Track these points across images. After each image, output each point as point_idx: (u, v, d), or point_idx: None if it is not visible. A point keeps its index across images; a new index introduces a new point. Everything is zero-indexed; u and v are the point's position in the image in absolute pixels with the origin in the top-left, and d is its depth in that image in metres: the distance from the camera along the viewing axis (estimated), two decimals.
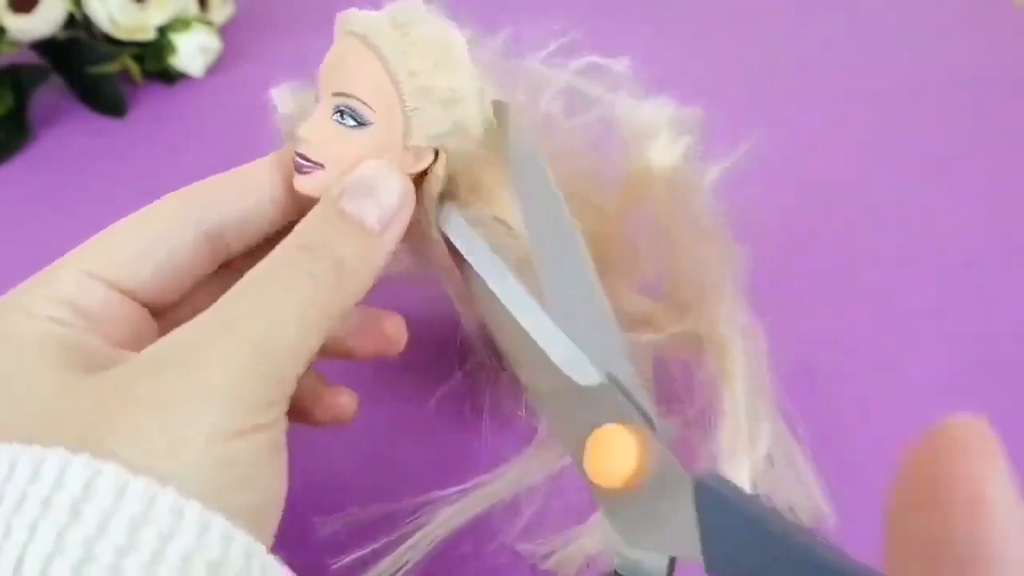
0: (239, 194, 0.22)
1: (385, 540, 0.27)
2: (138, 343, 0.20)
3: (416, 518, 0.27)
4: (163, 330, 0.21)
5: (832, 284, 0.38)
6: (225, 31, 0.56)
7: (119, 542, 0.14)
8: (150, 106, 0.51)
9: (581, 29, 0.57)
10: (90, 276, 0.20)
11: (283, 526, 0.20)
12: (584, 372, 0.18)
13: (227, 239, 0.22)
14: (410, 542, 0.27)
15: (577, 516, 0.27)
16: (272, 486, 0.18)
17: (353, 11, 0.22)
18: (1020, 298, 0.37)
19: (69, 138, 0.49)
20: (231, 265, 0.24)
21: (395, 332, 0.25)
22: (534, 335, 0.19)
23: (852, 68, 0.54)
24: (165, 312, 0.22)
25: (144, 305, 0.22)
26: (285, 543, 0.22)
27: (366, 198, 0.20)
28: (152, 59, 0.52)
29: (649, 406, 0.17)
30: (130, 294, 0.21)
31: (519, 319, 0.19)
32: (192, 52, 0.52)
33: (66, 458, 0.15)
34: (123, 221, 0.22)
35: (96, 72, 0.49)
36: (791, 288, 0.35)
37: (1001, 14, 0.59)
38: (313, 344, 0.19)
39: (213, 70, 0.54)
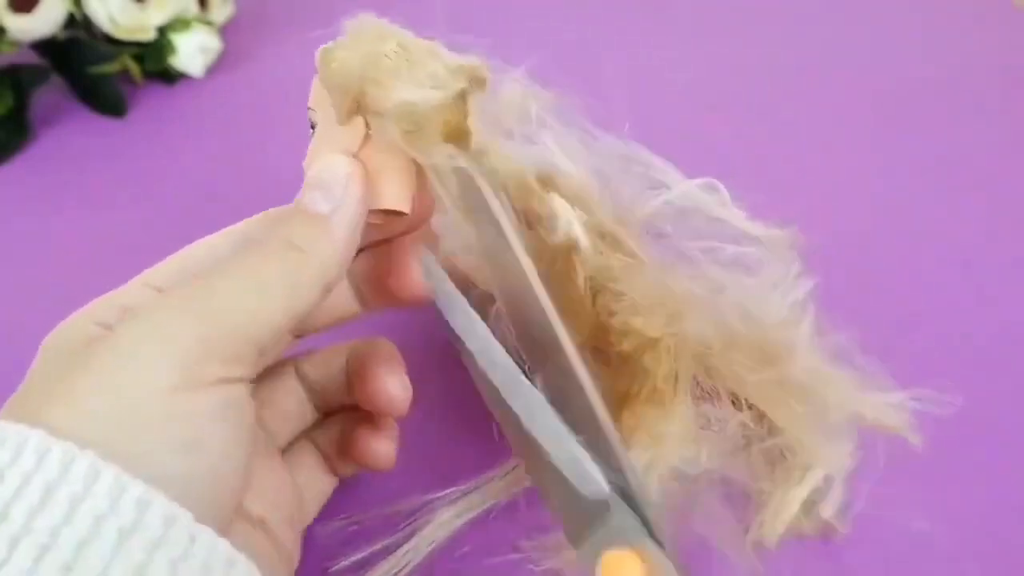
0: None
1: (385, 542, 0.27)
2: None
3: (415, 520, 0.27)
4: None
5: (831, 284, 0.38)
6: (225, 31, 0.56)
7: (32, 503, 0.15)
8: (150, 106, 0.51)
9: (585, 28, 0.57)
10: (152, 288, 0.22)
11: None
12: (590, 482, 0.17)
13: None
14: (410, 544, 0.27)
15: None
16: (218, 453, 0.18)
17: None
18: (1020, 298, 0.37)
19: (69, 138, 0.49)
20: None
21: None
22: (539, 438, 0.18)
23: (852, 68, 0.54)
24: None
25: None
26: None
27: (316, 190, 0.21)
28: (152, 59, 0.52)
29: (658, 521, 0.17)
30: None
31: (522, 417, 0.18)
32: (192, 52, 0.52)
33: (3, 429, 0.16)
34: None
35: (96, 72, 0.49)
36: None
37: (1001, 14, 0.59)
38: (270, 310, 0.19)
39: (213, 70, 0.54)
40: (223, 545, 0.17)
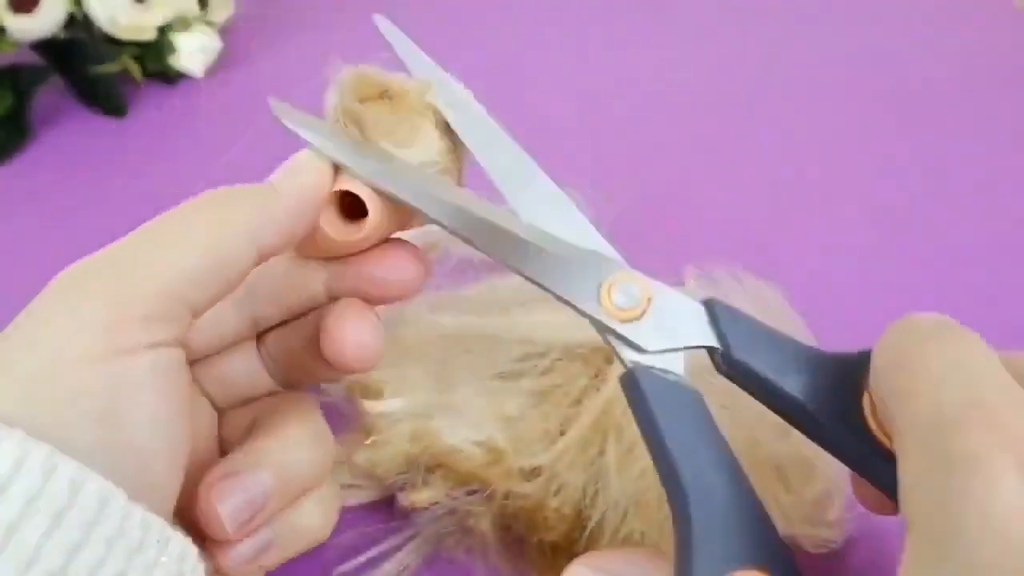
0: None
1: (386, 545, 0.27)
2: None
3: (418, 520, 0.27)
4: None
5: (832, 284, 0.38)
6: (225, 31, 0.56)
7: None
8: (150, 106, 0.51)
9: (583, 28, 0.57)
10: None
11: None
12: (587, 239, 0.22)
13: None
14: (412, 544, 0.27)
15: None
16: (141, 425, 0.16)
17: None
18: (1020, 298, 0.37)
19: (69, 138, 0.49)
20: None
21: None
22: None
23: (852, 69, 0.54)
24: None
25: None
26: None
27: (277, 173, 0.21)
28: (152, 59, 0.52)
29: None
30: None
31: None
32: (192, 52, 0.52)
33: None
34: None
35: (96, 72, 0.49)
36: (791, 284, 0.35)
37: (1002, 15, 0.59)
38: (193, 258, 0.18)
39: (213, 70, 0.54)
40: (156, 523, 0.16)
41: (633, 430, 0.26)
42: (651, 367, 0.20)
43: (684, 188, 0.44)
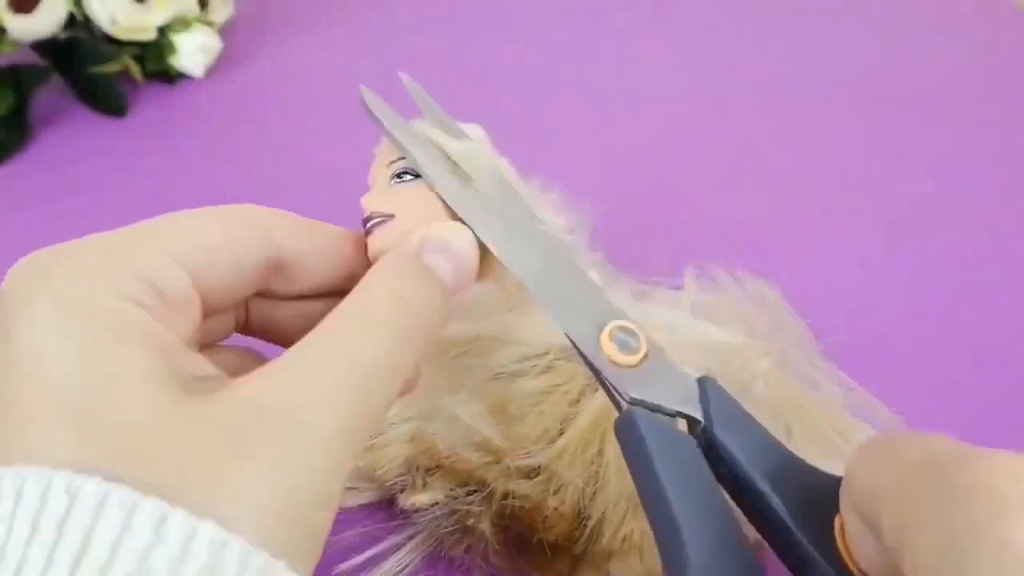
0: (315, 239, 0.22)
1: (386, 544, 0.27)
2: (192, 342, 0.19)
3: (420, 519, 0.27)
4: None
5: (832, 284, 0.38)
6: (225, 31, 0.56)
7: None
8: (150, 106, 0.51)
9: (580, 27, 0.57)
10: (174, 259, 0.19)
11: None
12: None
13: (280, 275, 0.22)
14: (413, 542, 0.27)
15: None
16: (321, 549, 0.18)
17: None
18: (1020, 298, 0.37)
19: (69, 138, 0.49)
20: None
21: None
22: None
23: (852, 69, 0.54)
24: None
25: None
26: None
27: (442, 255, 0.21)
28: (152, 59, 0.52)
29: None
30: (200, 289, 0.20)
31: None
32: (192, 52, 0.52)
33: (163, 510, 0.15)
34: (198, 212, 0.21)
35: (97, 72, 0.49)
36: (791, 284, 0.35)
37: (1001, 14, 0.59)
38: (387, 395, 0.18)
39: (213, 70, 0.54)
40: None
41: None
42: (648, 410, 0.20)
43: (685, 188, 0.44)
